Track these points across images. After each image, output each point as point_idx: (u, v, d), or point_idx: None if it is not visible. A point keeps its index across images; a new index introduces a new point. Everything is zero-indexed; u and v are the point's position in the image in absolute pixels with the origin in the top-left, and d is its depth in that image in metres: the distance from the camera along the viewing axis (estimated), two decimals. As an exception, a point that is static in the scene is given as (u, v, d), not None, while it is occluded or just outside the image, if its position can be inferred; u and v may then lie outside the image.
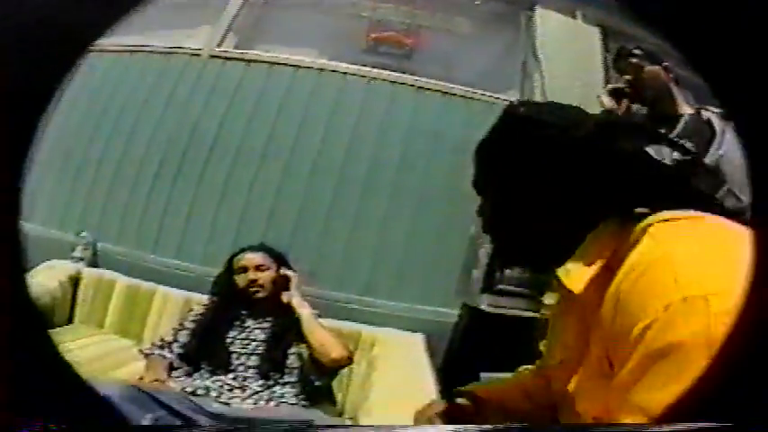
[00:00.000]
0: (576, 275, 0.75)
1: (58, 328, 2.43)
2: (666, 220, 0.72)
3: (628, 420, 0.63)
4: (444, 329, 2.37)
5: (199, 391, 1.78)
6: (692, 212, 0.73)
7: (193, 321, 2.02)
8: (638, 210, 0.75)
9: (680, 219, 0.72)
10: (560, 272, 0.77)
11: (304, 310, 1.95)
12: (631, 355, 0.63)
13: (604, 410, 0.71)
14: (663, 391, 0.59)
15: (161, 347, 1.97)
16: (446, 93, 2.85)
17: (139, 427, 1.32)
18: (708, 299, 0.59)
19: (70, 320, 2.57)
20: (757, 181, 0.61)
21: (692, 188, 0.80)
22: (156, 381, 1.80)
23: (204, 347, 1.91)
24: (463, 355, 2.22)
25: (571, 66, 2.94)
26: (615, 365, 0.67)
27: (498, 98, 2.80)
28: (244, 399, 1.78)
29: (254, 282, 1.99)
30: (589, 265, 0.74)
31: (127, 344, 2.42)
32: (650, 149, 0.78)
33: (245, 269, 2.02)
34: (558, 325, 0.90)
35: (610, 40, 3.00)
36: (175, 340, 1.98)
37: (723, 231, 0.70)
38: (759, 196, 0.61)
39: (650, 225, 0.71)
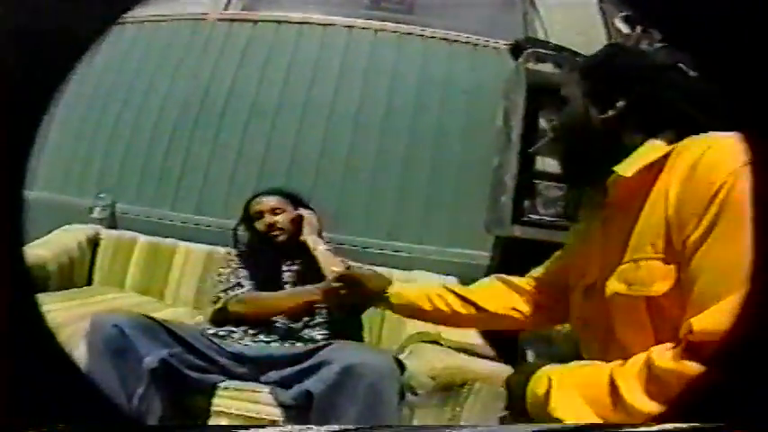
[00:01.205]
0: (628, 164, 0.87)
1: (76, 289, 2.33)
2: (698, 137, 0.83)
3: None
4: (476, 272, 2.29)
5: (221, 333, 1.69)
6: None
7: (239, 261, 1.89)
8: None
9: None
10: (617, 167, 0.88)
11: (319, 247, 1.88)
12: (703, 216, 0.73)
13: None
14: (734, 240, 0.69)
15: (230, 288, 1.81)
16: (452, 41, 2.79)
17: (139, 427, 1.24)
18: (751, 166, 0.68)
19: (89, 282, 2.47)
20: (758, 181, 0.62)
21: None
22: None
23: (266, 282, 1.81)
24: None
25: (569, 15, 2.94)
26: (677, 238, 0.77)
27: (503, 44, 2.76)
28: (268, 342, 1.69)
29: (272, 225, 1.91)
30: (641, 158, 0.86)
31: (149, 299, 2.34)
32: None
33: (261, 214, 1.93)
34: (593, 237, 0.98)
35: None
36: (237, 284, 1.83)
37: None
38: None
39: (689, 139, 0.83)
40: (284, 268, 1.89)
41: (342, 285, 1.52)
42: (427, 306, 1.34)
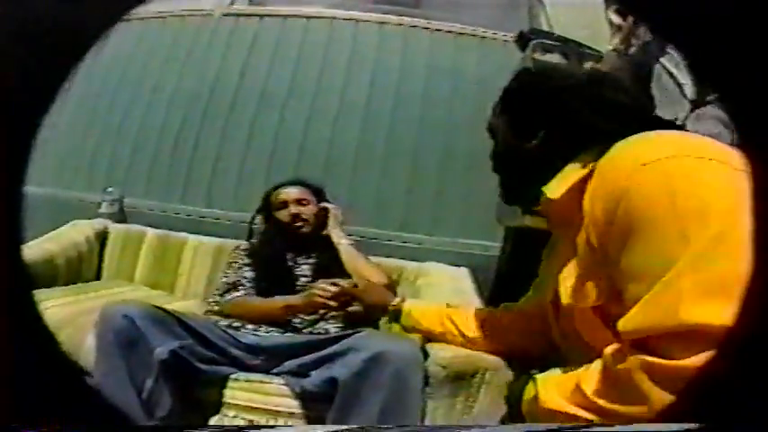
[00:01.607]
0: (555, 185, 0.89)
1: (85, 283, 2.31)
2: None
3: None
4: (488, 262, 2.24)
5: (234, 324, 1.64)
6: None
7: (248, 256, 1.87)
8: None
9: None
10: (545, 188, 0.89)
11: (343, 241, 1.86)
12: (612, 225, 0.76)
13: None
14: (645, 240, 0.72)
15: (229, 290, 1.79)
16: (458, 33, 2.78)
17: (140, 427, 1.21)
18: (662, 161, 0.74)
19: (98, 277, 2.45)
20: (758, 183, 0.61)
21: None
22: None
23: (273, 278, 1.77)
24: (511, 280, 2.12)
25: (574, 9, 2.92)
26: (600, 249, 0.79)
27: (509, 37, 2.75)
28: (283, 333, 1.65)
29: (297, 216, 1.88)
30: (567, 178, 0.87)
31: (159, 293, 2.32)
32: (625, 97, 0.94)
33: (285, 204, 1.90)
34: (553, 256, 1.01)
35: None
36: (243, 276, 1.81)
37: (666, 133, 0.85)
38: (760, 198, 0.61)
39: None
40: (300, 261, 1.85)
41: (325, 300, 1.55)
42: (437, 329, 1.34)
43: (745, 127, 0.63)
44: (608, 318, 0.81)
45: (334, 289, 1.57)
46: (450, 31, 2.79)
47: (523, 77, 1.06)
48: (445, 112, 2.62)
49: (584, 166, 0.86)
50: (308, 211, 1.91)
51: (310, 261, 1.86)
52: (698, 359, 0.63)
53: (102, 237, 2.49)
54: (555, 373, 0.89)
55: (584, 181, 0.84)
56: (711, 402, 0.56)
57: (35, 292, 1.86)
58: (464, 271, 2.26)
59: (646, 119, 0.90)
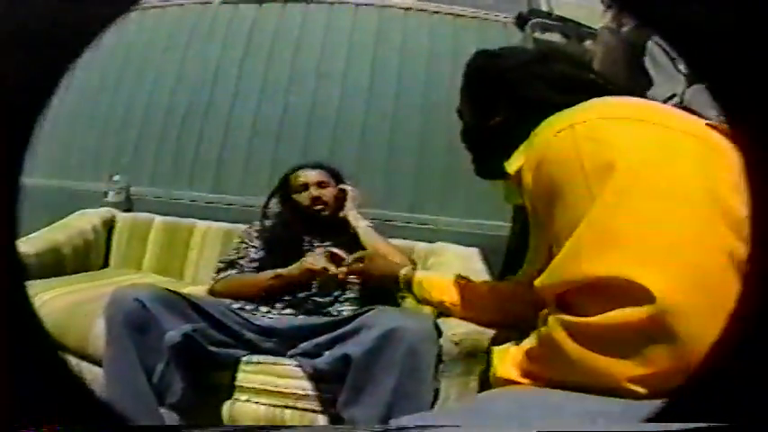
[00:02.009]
0: (512, 161, 0.89)
1: (93, 272, 2.30)
2: None
3: None
4: (498, 242, 2.19)
5: (247, 307, 1.62)
6: None
7: (259, 238, 1.85)
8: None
9: None
10: (506, 163, 0.90)
11: (361, 223, 1.84)
12: (541, 194, 0.79)
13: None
14: (566, 206, 0.73)
15: (225, 268, 1.79)
16: (458, 15, 2.74)
17: (140, 427, 1.17)
18: (573, 126, 0.76)
19: (106, 265, 2.44)
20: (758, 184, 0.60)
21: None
22: None
23: (285, 261, 1.72)
24: (521, 258, 2.09)
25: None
26: (537, 221, 0.84)
27: (509, 18, 2.69)
28: (296, 315, 1.62)
29: (318, 199, 1.85)
30: (521, 154, 0.87)
31: (169, 279, 2.30)
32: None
33: (305, 186, 1.87)
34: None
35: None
36: (245, 256, 1.81)
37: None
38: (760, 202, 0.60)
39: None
40: (318, 244, 1.81)
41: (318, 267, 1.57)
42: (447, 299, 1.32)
43: (736, 114, 0.62)
44: None
45: (323, 260, 1.57)
46: (449, 14, 2.76)
47: (478, 60, 1.10)
48: (448, 95, 2.54)
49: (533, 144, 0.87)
50: (329, 193, 1.88)
51: (327, 244, 1.81)
52: (614, 315, 0.62)
53: (110, 225, 2.48)
54: (511, 345, 0.89)
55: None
56: (711, 402, 0.55)
57: (43, 281, 1.88)
58: (474, 251, 2.23)
59: (601, 90, 0.91)
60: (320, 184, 1.88)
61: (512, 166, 0.89)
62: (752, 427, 0.54)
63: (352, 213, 1.87)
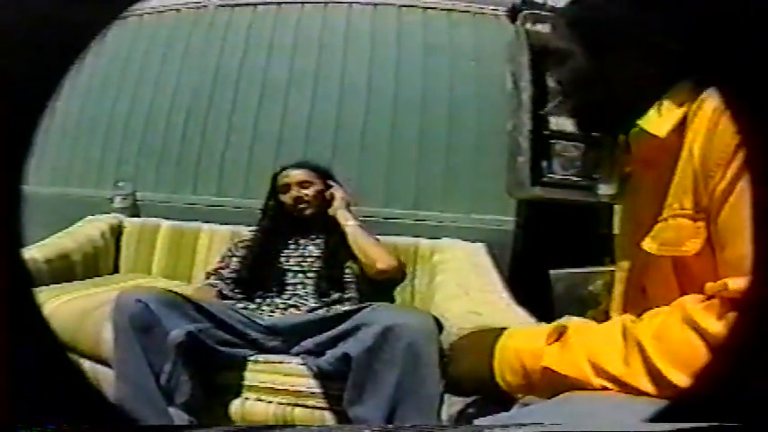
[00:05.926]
0: (659, 122, 0.76)
1: (102, 277, 2.26)
2: None
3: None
4: (503, 237, 2.17)
5: (251, 306, 1.60)
6: None
7: (243, 248, 1.84)
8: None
9: None
10: (642, 122, 0.78)
11: (348, 222, 1.79)
12: (729, 165, 0.65)
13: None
14: None
15: (207, 277, 1.79)
16: (450, 10, 2.66)
17: (140, 427, 1.16)
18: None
19: (115, 271, 2.39)
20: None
21: None
22: None
23: (259, 269, 1.71)
24: (527, 254, 2.02)
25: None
26: (703, 191, 0.69)
27: (501, 10, 2.63)
28: (299, 312, 1.60)
29: (299, 199, 1.82)
30: (671, 115, 0.76)
31: (177, 283, 2.22)
32: None
33: (288, 187, 1.84)
34: (633, 200, 0.88)
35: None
36: (226, 266, 1.80)
37: None
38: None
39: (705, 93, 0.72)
40: (307, 244, 1.80)
41: None
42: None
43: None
44: (689, 273, 0.72)
45: None
46: (442, 9, 2.68)
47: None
48: (447, 90, 2.52)
49: (680, 105, 0.76)
50: (311, 192, 1.84)
51: (317, 242, 1.80)
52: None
53: (118, 231, 2.43)
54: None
55: (683, 123, 0.75)
56: (711, 402, 0.52)
57: (54, 286, 1.85)
58: (480, 246, 2.17)
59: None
60: (302, 184, 1.85)
61: (659, 128, 0.76)
62: (753, 427, 0.50)
63: (340, 212, 1.83)
